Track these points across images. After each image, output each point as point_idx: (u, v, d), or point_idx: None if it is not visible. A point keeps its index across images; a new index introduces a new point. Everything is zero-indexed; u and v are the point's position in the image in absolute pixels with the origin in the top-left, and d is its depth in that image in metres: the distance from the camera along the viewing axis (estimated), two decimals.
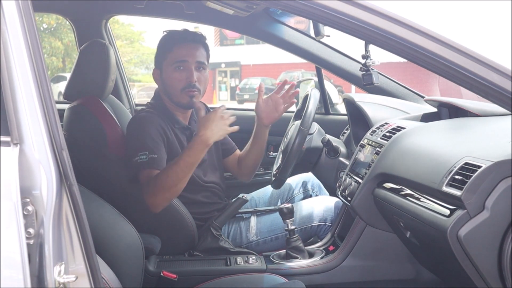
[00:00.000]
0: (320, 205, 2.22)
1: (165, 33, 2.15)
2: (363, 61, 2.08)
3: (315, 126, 2.41)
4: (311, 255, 2.08)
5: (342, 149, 2.41)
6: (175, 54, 2.07)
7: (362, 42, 1.80)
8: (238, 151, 2.38)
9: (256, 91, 2.28)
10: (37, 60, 0.98)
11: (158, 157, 1.94)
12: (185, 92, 2.06)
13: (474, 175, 1.33)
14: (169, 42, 2.10)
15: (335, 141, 2.43)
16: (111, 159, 2.03)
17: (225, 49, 26.57)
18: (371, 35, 1.26)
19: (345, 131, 2.67)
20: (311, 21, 2.25)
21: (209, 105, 2.45)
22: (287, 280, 1.84)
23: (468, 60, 1.23)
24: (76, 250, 0.99)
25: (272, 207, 2.25)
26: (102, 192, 1.69)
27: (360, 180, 1.95)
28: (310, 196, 2.38)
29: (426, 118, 2.12)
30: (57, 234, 0.95)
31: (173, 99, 2.10)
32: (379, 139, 1.96)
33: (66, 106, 2.17)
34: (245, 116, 3.23)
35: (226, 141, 2.35)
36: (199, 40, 2.11)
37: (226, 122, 1.90)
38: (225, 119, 1.90)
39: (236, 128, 1.92)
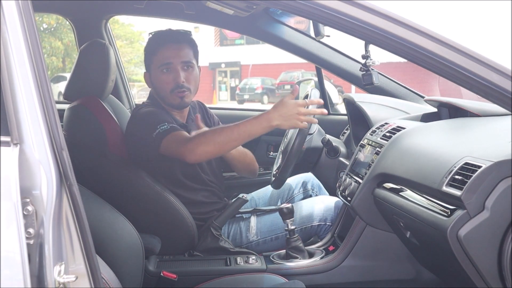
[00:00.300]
0: (320, 205, 2.22)
1: (150, 35, 2.16)
2: (363, 61, 2.08)
3: (315, 126, 2.41)
4: (311, 255, 2.08)
5: (342, 149, 2.41)
6: (159, 57, 2.07)
7: (362, 42, 1.80)
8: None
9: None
10: (37, 60, 0.98)
11: (177, 127, 1.95)
12: (174, 94, 2.07)
13: (474, 175, 1.33)
14: (153, 45, 2.11)
15: (335, 141, 2.43)
16: (111, 159, 2.03)
17: (225, 49, 26.57)
18: (371, 35, 1.26)
19: (345, 131, 2.67)
20: (311, 21, 2.25)
21: (208, 105, 2.46)
22: (287, 280, 1.84)
23: (468, 60, 1.23)
24: (76, 250, 0.99)
25: (272, 207, 2.25)
26: (102, 192, 1.69)
27: (360, 180, 1.95)
28: (310, 196, 2.38)
29: (426, 118, 2.12)
30: (57, 234, 0.95)
31: (165, 101, 2.12)
32: (379, 139, 1.96)
33: (66, 106, 2.17)
34: (245, 116, 3.23)
35: None
36: (182, 39, 2.11)
37: (300, 118, 1.82)
38: (301, 114, 1.82)
39: (304, 126, 1.85)
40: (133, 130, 2.06)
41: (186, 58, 2.08)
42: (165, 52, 2.07)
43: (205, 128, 2.08)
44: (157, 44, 2.10)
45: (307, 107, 1.88)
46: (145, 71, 2.17)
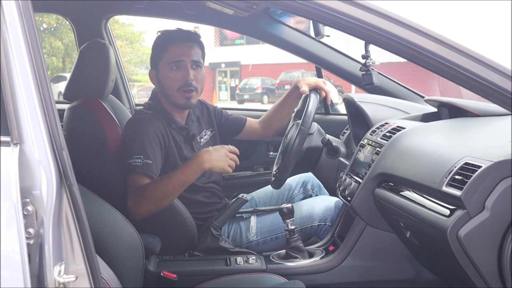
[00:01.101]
0: (320, 205, 2.22)
1: (159, 33, 2.15)
2: (363, 61, 2.08)
3: (315, 126, 2.40)
4: (311, 255, 2.08)
5: (342, 149, 2.41)
6: (170, 54, 2.07)
7: (362, 42, 1.80)
8: (250, 119, 2.45)
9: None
10: (37, 60, 0.98)
11: (152, 163, 1.95)
12: (181, 92, 2.07)
13: (474, 175, 1.33)
14: (164, 42, 2.11)
15: (335, 141, 2.43)
16: (111, 159, 2.02)
17: (225, 49, 26.56)
18: (371, 35, 1.26)
19: (345, 131, 2.67)
20: (311, 21, 2.25)
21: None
22: (287, 280, 1.84)
23: (468, 60, 1.23)
24: (76, 250, 0.99)
25: (272, 207, 2.25)
26: (102, 192, 1.69)
27: (360, 180, 1.95)
28: (310, 196, 2.38)
29: (426, 118, 2.12)
30: (57, 234, 0.95)
31: (170, 99, 2.11)
32: (379, 139, 1.96)
33: (66, 106, 2.17)
34: (245, 116, 3.23)
35: (235, 118, 2.41)
36: (193, 38, 2.12)
37: (227, 160, 1.92)
38: (228, 156, 1.92)
39: (230, 170, 1.93)
40: (123, 140, 2.05)
41: (196, 57, 2.09)
42: (177, 49, 2.07)
43: None
44: (168, 42, 2.09)
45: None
46: (150, 69, 2.16)
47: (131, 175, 1.93)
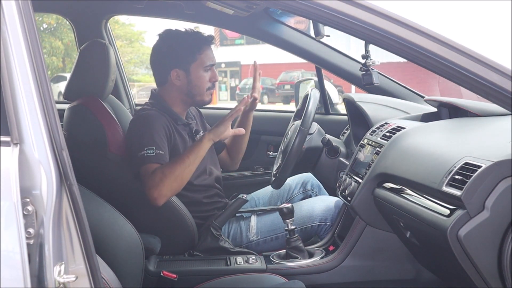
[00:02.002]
0: (320, 205, 2.22)
1: (188, 33, 2.15)
2: (363, 61, 2.08)
3: (315, 126, 2.41)
4: (311, 255, 2.08)
5: (342, 149, 2.41)
6: (205, 55, 2.15)
7: (362, 42, 1.80)
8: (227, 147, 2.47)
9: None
10: (37, 60, 0.98)
11: (165, 154, 1.99)
12: (208, 91, 2.18)
13: (474, 175, 1.33)
14: (199, 43, 2.15)
15: (335, 141, 2.43)
16: (111, 159, 2.03)
17: (225, 49, 26.57)
18: (371, 35, 1.26)
19: (345, 131, 2.67)
20: (311, 21, 2.25)
21: (209, 105, 2.46)
22: (287, 280, 1.84)
23: (468, 60, 1.23)
24: (76, 250, 0.99)
25: (272, 207, 2.25)
26: (102, 192, 1.69)
27: (360, 180, 1.95)
28: (310, 196, 2.38)
29: (426, 118, 2.12)
30: (57, 234, 0.95)
31: (197, 98, 2.17)
32: (379, 139, 1.96)
33: (66, 106, 2.17)
34: None
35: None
36: (213, 42, 2.21)
37: (226, 124, 2.03)
38: (226, 120, 2.03)
39: (235, 131, 2.06)
40: (130, 135, 2.08)
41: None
42: (210, 53, 2.17)
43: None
44: (203, 43, 2.15)
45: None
46: (175, 68, 2.13)
47: (144, 166, 1.95)
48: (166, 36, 2.17)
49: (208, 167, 2.21)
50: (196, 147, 2.00)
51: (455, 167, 1.41)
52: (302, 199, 2.36)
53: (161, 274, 1.88)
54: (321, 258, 2.05)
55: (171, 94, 2.16)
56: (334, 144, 2.38)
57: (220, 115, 2.55)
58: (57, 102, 2.82)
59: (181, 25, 2.30)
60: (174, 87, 2.16)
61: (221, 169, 2.35)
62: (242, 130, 2.10)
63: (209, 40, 2.17)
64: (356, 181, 1.98)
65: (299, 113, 2.37)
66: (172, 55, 2.14)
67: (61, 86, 14.80)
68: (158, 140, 2.00)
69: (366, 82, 2.10)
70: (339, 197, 2.16)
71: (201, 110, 2.44)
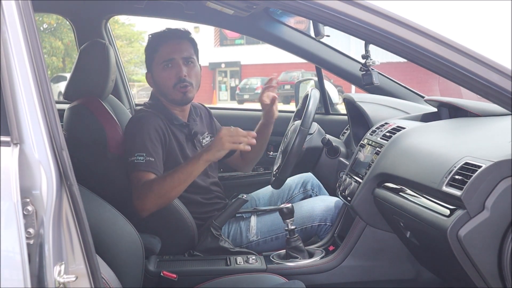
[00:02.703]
0: (320, 205, 2.22)
1: (150, 36, 2.17)
2: (363, 61, 2.08)
3: (315, 126, 2.40)
4: (311, 255, 2.08)
5: (342, 149, 2.41)
6: (161, 53, 2.10)
7: (362, 42, 1.80)
8: None
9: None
10: (37, 60, 0.98)
11: (155, 161, 1.95)
12: (177, 88, 2.08)
13: (474, 175, 1.33)
14: (154, 43, 2.13)
15: (335, 141, 2.43)
16: (111, 159, 2.03)
17: (225, 49, 26.57)
18: (371, 35, 1.26)
19: (345, 131, 2.67)
20: (311, 21, 2.25)
21: (209, 105, 2.46)
22: (287, 280, 1.84)
23: (468, 60, 1.23)
24: (76, 250, 0.99)
25: (272, 207, 2.25)
26: (102, 192, 1.69)
27: (360, 180, 1.95)
28: (310, 196, 2.38)
29: (426, 118, 2.12)
30: (57, 234, 0.95)
31: (168, 97, 2.12)
32: (379, 139, 1.96)
33: (66, 106, 2.17)
34: (245, 116, 3.23)
35: None
36: (182, 36, 2.14)
37: (230, 140, 1.84)
38: (231, 136, 1.85)
39: (238, 146, 1.86)
40: (124, 138, 2.06)
41: (187, 54, 2.11)
42: (166, 48, 2.09)
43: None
44: (158, 42, 2.12)
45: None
46: (146, 72, 2.18)
47: (134, 173, 1.94)
48: None
49: (205, 169, 2.20)
50: (190, 166, 1.89)
51: (455, 167, 1.41)
52: (302, 199, 2.36)
53: (161, 274, 1.88)
54: (321, 258, 2.05)
55: (157, 95, 2.17)
56: (334, 144, 2.38)
57: (220, 115, 2.56)
58: (57, 102, 2.82)
59: (181, 25, 2.30)
60: (153, 89, 2.19)
61: (221, 169, 2.33)
62: (247, 148, 1.86)
63: (166, 36, 2.12)
64: (356, 181, 1.98)
65: (299, 113, 2.37)
66: (145, 59, 2.18)
67: (61, 86, 14.80)
68: (149, 146, 1.96)
69: (366, 82, 2.10)
70: (339, 197, 2.16)
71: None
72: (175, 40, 2.11)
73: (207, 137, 2.27)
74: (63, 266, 0.94)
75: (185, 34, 2.15)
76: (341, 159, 2.37)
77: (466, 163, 1.38)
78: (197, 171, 1.90)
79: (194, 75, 2.11)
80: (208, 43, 24.34)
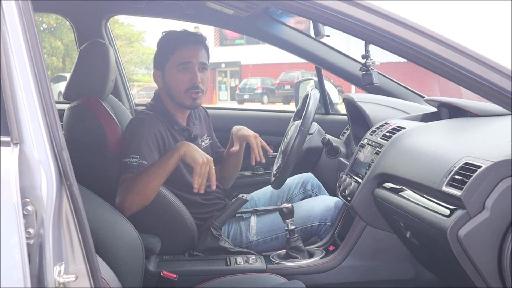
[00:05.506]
0: (320, 205, 2.22)
1: (164, 33, 2.15)
2: (363, 61, 2.08)
3: (315, 126, 2.41)
4: (311, 255, 2.08)
5: (342, 149, 2.41)
6: (178, 55, 2.07)
7: (362, 42, 1.80)
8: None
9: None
10: (37, 60, 0.98)
11: (148, 164, 1.94)
12: (188, 94, 2.07)
13: (474, 175, 1.33)
14: (171, 43, 2.10)
15: (335, 141, 2.43)
16: (111, 159, 2.03)
17: (225, 49, 26.57)
18: (371, 35, 1.26)
19: (345, 131, 2.67)
20: (311, 21, 2.25)
21: (208, 105, 2.45)
22: (287, 280, 1.84)
23: (468, 60, 1.23)
24: (76, 250, 0.99)
25: (272, 207, 2.25)
26: (102, 192, 1.69)
27: (360, 180, 1.95)
28: (310, 196, 2.38)
29: (426, 118, 2.12)
30: (57, 234, 0.95)
31: (176, 100, 2.11)
32: (379, 139, 1.96)
33: (66, 106, 2.17)
34: (245, 116, 3.24)
35: (220, 152, 2.38)
36: (200, 41, 2.12)
37: (204, 160, 1.87)
38: (204, 162, 1.87)
39: (201, 164, 1.87)
40: (124, 135, 2.05)
41: (204, 60, 2.10)
42: (185, 51, 2.07)
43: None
44: (176, 43, 2.09)
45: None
46: (155, 70, 2.15)
47: (124, 174, 1.93)
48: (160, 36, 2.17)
49: None
50: (163, 161, 1.90)
51: (455, 167, 1.41)
52: (302, 199, 2.36)
53: (161, 274, 1.87)
54: (321, 258, 2.05)
55: (161, 95, 2.16)
56: (334, 144, 2.38)
57: (220, 115, 2.56)
58: (57, 102, 2.83)
59: (182, 25, 2.30)
60: (159, 88, 2.16)
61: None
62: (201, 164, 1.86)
63: (185, 38, 2.10)
64: (356, 181, 1.98)
65: (299, 113, 2.37)
66: (155, 55, 2.15)
67: (61, 86, 14.81)
68: (144, 149, 1.95)
69: (366, 82, 2.10)
70: (339, 197, 2.16)
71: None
72: (194, 45, 2.09)
73: (206, 139, 2.26)
74: (63, 266, 0.95)
75: (203, 40, 2.14)
76: (341, 159, 2.37)
77: (466, 163, 1.39)
78: (170, 165, 1.90)
79: (206, 81, 2.11)
80: (208, 43, 24.30)
